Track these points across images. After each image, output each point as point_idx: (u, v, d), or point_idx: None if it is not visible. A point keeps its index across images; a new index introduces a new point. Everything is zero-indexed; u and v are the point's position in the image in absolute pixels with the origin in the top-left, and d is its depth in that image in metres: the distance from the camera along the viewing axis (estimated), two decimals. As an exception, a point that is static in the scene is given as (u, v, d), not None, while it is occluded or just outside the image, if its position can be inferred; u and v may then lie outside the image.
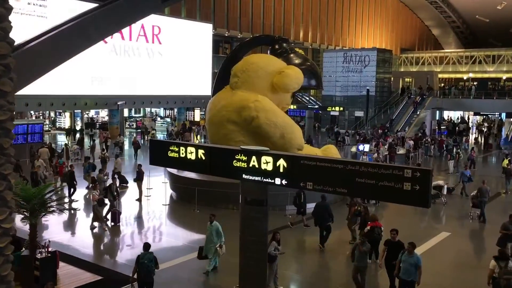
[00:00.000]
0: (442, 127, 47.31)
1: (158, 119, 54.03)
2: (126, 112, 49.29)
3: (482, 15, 72.08)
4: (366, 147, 27.06)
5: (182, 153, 10.61)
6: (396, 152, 27.38)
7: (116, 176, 19.53)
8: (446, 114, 57.91)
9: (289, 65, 19.51)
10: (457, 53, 71.32)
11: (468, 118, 57.10)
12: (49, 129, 44.27)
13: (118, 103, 37.05)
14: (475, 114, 55.67)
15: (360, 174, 8.33)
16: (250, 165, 9.54)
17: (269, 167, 9.32)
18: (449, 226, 16.85)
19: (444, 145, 32.05)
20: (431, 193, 18.41)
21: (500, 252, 10.15)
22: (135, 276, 10.28)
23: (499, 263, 9.63)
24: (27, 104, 34.11)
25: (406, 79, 56.23)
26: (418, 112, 44.50)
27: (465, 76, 65.57)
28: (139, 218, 17.27)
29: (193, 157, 10.42)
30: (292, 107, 49.84)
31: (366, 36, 69.61)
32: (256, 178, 9.51)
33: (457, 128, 44.83)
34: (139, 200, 19.07)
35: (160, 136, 41.68)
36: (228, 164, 9.83)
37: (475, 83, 52.61)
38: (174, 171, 21.07)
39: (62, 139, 38.17)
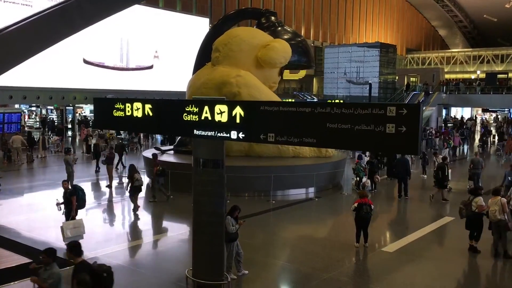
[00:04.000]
0: (449, 124, 45.27)
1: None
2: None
3: (489, 14, 70.19)
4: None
5: (128, 111, 8.88)
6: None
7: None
8: (453, 113, 55.88)
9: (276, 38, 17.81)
10: (465, 53, 69.31)
11: (475, 118, 54.88)
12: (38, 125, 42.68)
13: (107, 96, 35.44)
14: (483, 110, 53.47)
15: (332, 118, 6.54)
16: (202, 117, 7.78)
17: (224, 118, 7.55)
18: (454, 212, 14.93)
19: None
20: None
21: (472, 188, 11.58)
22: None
23: (470, 196, 10.72)
24: (11, 97, 32.64)
25: (411, 78, 54.33)
26: (423, 108, 42.41)
27: (473, 76, 63.50)
28: (98, 204, 15.44)
29: (139, 114, 8.69)
30: (290, 100, 48.41)
31: (370, 35, 67.82)
32: (210, 133, 7.74)
33: (464, 126, 42.74)
34: (109, 186, 17.25)
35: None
36: (178, 119, 8.08)
37: (480, 80, 50.34)
38: (147, 153, 19.35)
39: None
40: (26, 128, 35.10)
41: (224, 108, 7.52)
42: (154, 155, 15.66)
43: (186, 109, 7.96)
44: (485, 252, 10.55)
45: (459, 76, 65.86)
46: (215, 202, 8.05)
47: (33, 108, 48.55)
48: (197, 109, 7.83)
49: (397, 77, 50.50)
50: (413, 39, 77.86)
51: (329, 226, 13.54)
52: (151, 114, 8.51)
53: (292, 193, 16.24)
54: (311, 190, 16.53)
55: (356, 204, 10.71)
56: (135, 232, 12.71)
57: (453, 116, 53.19)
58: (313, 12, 58.66)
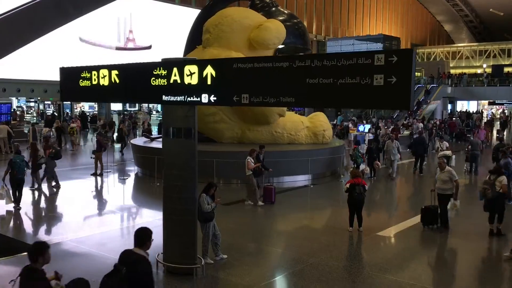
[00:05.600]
0: (453, 118, 44.12)
1: (154, 113, 51.59)
2: (120, 106, 47.01)
3: (496, 8, 68.91)
4: (367, 127, 24.26)
5: (95, 79, 8.08)
6: (400, 132, 24.48)
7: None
8: (459, 108, 54.67)
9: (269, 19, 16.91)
10: (471, 47, 68.10)
11: (482, 112, 53.60)
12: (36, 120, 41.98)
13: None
14: (490, 103, 52.13)
15: (312, 72, 5.68)
16: (171, 81, 6.95)
17: (194, 80, 6.72)
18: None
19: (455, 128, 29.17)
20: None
21: (495, 167, 10.64)
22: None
23: (491, 176, 9.92)
24: (4, 90, 31.95)
25: (417, 73, 53.25)
26: (428, 101, 41.38)
27: (479, 70, 62.28)
28: (69, 188, 14.62)
29: (106, 82, 7.88)
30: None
31: (374, 30, 66.62)
32: (179, 98, 6.89)
33: (470, 119, 41.56)
34: (96, 174, 16.38)
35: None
36: (146, 85, 7.25)
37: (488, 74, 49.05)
38: (137, 141, 18.55)
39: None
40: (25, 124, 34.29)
41: (194, 68, 6.68)
42: (46, 138, 15.88)
43: (154, 73, 7.13)
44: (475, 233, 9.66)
45: (465, 71, 64.66)
46: (186, 176, 7.19)
47: (32, 104, 48.01)
48: (165, 72, 7.00)
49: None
50: (418, 34, 76.62)
51: (322, 211, 12.63)
52: (117, 81, 7.69)
53: (286, 180, 15.35)
54: (307, 177, 15.62)
55: (348, 185, 9.82)
56: (106, 217, 11.89)
57: (458, 111, 52.00)
58: (315, 6, 57.65)
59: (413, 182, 16.79)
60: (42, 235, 10.04)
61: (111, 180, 16.16)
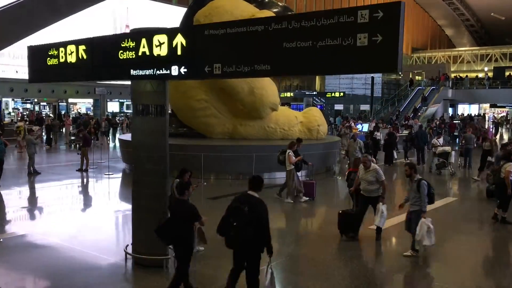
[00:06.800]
0: (455, 121, 43.46)
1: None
2: (117, 107, 46.47)
3: (497, 12, 68.39)
4: (365, 127, 23.65)
5: (62, 57, 7.47)
6: (399, 131, 23.85)
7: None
8: (460, 111, 54.02)
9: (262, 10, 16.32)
10: (472, 51, 67.62)
11: (484, 115, 52.89)
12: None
13: (97, 88, 34.21)
14: (491, 106, 51.38)
15: (289, 34, 5.06)
16: (140, 53, 6.34)
17: (164, 50, 6.11)
18: (457, 192, 13.46)
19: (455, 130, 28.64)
20: (438, 162, 15.38)
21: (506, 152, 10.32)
22: None
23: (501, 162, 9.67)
24: (-4, 89, 31.41)
25: (417, 77, 52.66)
26: (428, 104, 40.74)
27: (480, 74, 61.74)
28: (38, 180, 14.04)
29: (73, 59, 7.28)
30: (289, 94, 46.90)
31: (374, 33, 66.14)
32: (148, 72, 6.28)
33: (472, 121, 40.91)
34: (82, 170, 15.71)
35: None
36: (114, 59, 6.63)
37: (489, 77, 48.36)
38: (125, 137, 17.95)
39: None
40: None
41: (164, 38, 6.08)
42: None
43: (122, 45, 6.52)
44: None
45: (467, 75, 64.10)
46: (156, 157, 6.55)
47: (28, 106, 47.47)
48: (133, 44, 6.39)
49: (401, 74, 48.86)
50: (418, 38, 76.05)
51: (311, 205, 11.92)
52: (85, 57, 7.08)
53: (278, 176, 14.66)
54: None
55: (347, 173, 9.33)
56: (78, 209, 11.26)
57: (460, 114, 51.35)
58: (315, 6, 57.19)
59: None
60: (8, 227, 9.38)
61: (95, 175, 15.52)
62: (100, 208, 11.40)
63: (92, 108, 41.88)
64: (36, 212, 10.94)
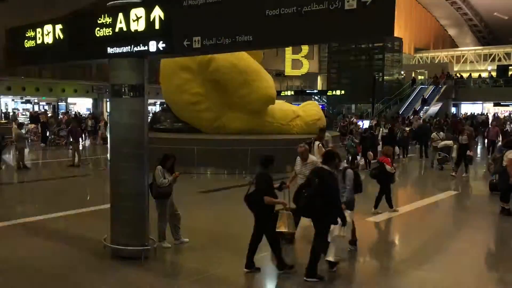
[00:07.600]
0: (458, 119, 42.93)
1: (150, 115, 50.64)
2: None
3: (500, 12, 67.92)
4: (366, 123, 23.22)
5: (39, 38, 7.06)
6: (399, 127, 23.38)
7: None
8: (463, 111, 53.46)
9: None
10: (475, 51, 67.18)
11: (487, 115, 52.33)
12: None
13: (94, 87, 33.88)
14: (495, 105, 50.75)
15: (272, 1, 4.61)
16: (117, 30, 5.92)
17: (141, 25, 5.70)
18: (458, 187, 13.00)
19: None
20: (439, 157, 14.89)
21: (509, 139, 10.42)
22: None
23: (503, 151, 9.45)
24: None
25: (419, 76, 52.22)
26: (429, 104, 40.31)
27: (483, 74, 61.25)
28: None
29: (50, 39, 6.87)
30: (289, 93, 46.44)
31: (377, 33, 65.78)
32: (125, 49, 5.86)
33: (475, 120, 40.39)
34: (73, 165, 15.28)
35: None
36: (90, 37, 6.21)
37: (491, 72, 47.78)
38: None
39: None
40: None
41: (141, 12, 5.67)
42: None
43: (99, 22, 6.11)
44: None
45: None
46: (133, 139, 6.11)
47: (28, 106, 47.17)
48: (110, 20, 5.98)
49: (404, 74, 48.48)
50: (421, 38, 75.59)
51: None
52: (62, 37, 6.67)
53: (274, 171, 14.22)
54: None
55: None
56: (59, 202, 10.85)
57: (463, 113, 50.83)
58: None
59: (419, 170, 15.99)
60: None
61: (86, 170, 15.12)
62: (85, 201, 10.97)
63: (91, 108, 41.53)
64: (20, 204, 10.56)
